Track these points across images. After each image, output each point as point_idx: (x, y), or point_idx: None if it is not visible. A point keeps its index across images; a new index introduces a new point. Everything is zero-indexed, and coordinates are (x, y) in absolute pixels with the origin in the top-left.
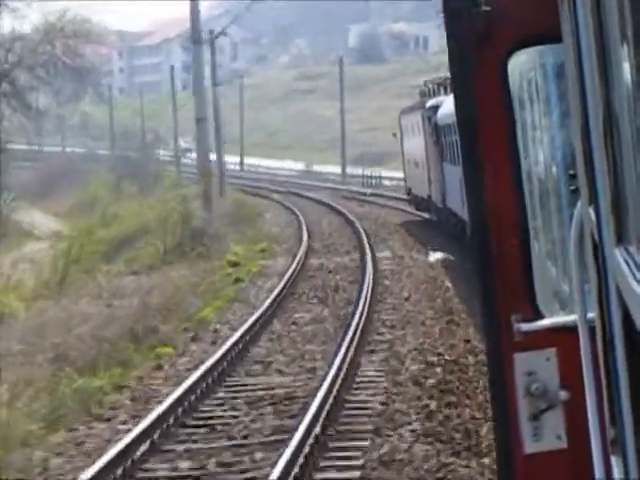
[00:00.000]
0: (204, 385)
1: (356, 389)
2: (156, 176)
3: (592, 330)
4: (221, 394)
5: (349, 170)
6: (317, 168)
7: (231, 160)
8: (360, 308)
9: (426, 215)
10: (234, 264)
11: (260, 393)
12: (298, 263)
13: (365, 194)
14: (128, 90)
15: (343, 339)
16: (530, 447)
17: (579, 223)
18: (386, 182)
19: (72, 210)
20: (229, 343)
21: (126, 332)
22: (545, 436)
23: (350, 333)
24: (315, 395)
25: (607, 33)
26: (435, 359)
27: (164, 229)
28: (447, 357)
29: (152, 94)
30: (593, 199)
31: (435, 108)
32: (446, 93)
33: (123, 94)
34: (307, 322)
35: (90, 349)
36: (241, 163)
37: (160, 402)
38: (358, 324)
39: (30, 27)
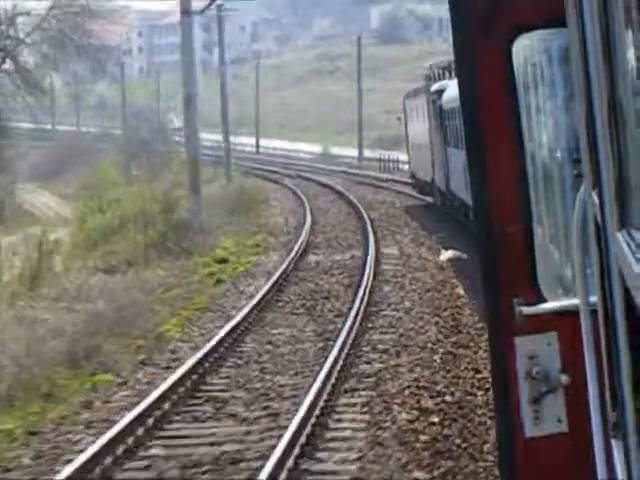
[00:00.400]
0: (130, 439)
1: (323, 450)
2: (166, 157)
3: (594, 314)
4: (153, 450)
5: (367, 153)
6: (335, 151)
7: (248, 142)
8: (350, 323)
9: (429, 199)
10: (221, 260)
11: (202, 450)
12: (292, 260)
13: (381, 179)
14: (147, 70)
15: (321, 368)
16: (531, 430)
17: (582, 207)
18: (405, 166)
19: (79, 192)
20: (183, 370)
21: (66, 350)
22: (546, 420)
23: (331, 359)
24: (268, 458)
25: (612, 17)
26: (432, 404)
27: (145, 220)
28: (449, 398)
29: (172, 74)
30: (597, 183)
31: (440, 92)
32: (451, 77)
33: (142, 74)
34: (285, 341)
35: (13, 374)
36: (257, 145)
37: (69, 462)
38: (343, 348)
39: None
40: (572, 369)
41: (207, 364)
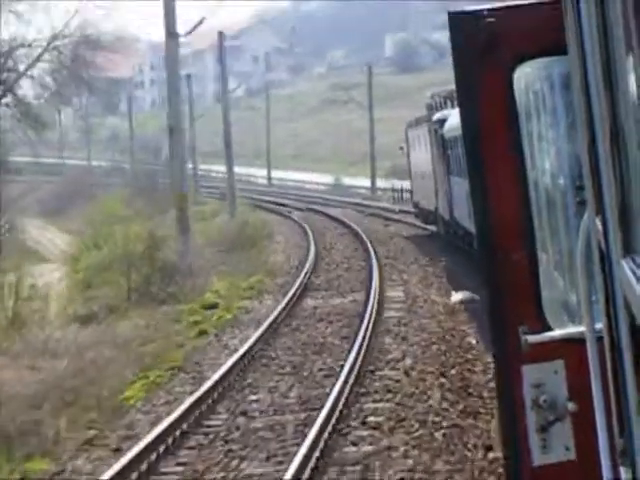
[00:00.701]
0: None
1: None
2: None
3: (600, 341)
4: None
5: (381, 183)
6: (348, 181)
7: (260, 173)
8: (339, 387)
9: (433, 228)
10: (209, 306)
11: None
12: (287, 306)
13: (393, 211)
14: (160, 102)
15: (298, 450)
16: (539, 459)
17: (586, 234)
18: None
19: (83, 228)
20: (133, 453)
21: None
22: (554, 448)
23: (311, 438)
24: None
25: (612, 44)
26: None
27: (128, 262)
28: None
29: (184, 106)
30: (600, 210)
31: (442, 121)
32: (452, 106)
33: (155, 106)
34: (263, 411)
35: None
36: (269, 177)
37: None
38: (327, 422)
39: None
40: (579, 397)
41: (164, 445)
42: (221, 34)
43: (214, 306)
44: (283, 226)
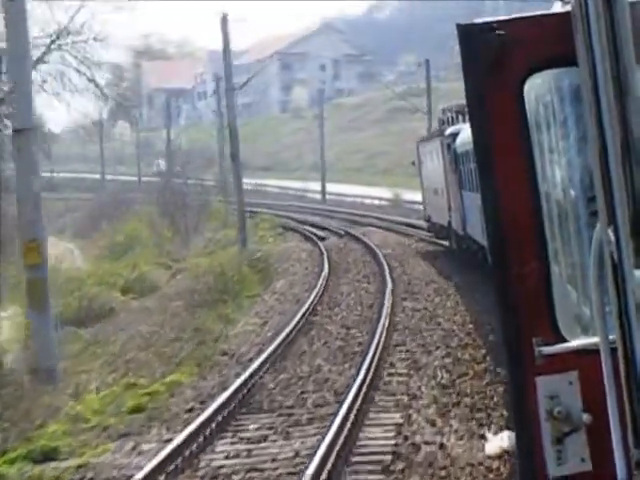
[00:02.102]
0: None
1: None
2: (202, 211)
3: (614, 352)
4: None
5: None
6: (409, 197)
7: (315, 187)
8: None
9: (445, 243)
10: (45, 456)
11: None
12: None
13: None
14: (222, 113)
15: None
16: (554, 470)
17: (598, 245)
18: None
19: (106, 253)
20: None
21: None
22: (569, 459)
23: None
24: None
25: (622, 55)
26: None
27: None
28: None
29: (247, 117)
30: (612, 221)
31: (454, 135)
32: (464, 120)
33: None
34: None
35: None
36: (323, 193)
37: None
38: None
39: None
40: (594, 408)
41: None
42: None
43: (53, 453)
44: (300, 262)
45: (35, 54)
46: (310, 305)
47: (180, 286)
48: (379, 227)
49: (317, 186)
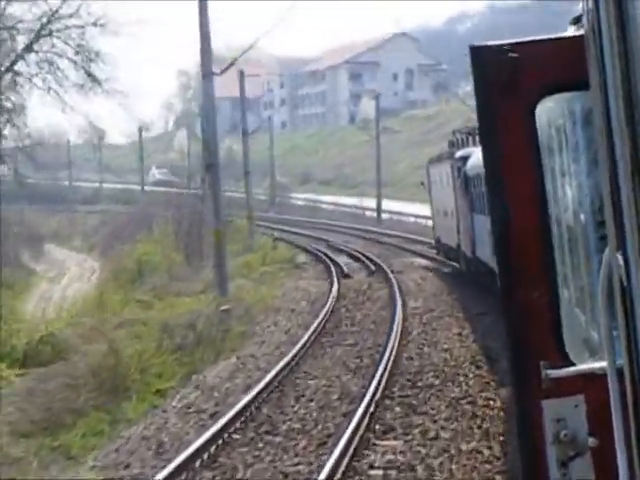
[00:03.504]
0: None
1: None
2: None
3: (621, 376)
4: None
5: None
6: None
7: (374, 205)
8: None
9: (455, 264)
10: None
11: None
12: None
13: None
14: (291, 124)
15: None
16: None
17: (607, 269)
18: None
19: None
20: None
21: None
22: None
23: None
24: None
25: (634, 80)
26: None
27: None
28: None
29: (314, 127)
30: (621, 245)
31: (465, 158)
32: (474, 144)
33: (285, 128)
34: None
35: None
36: (378, 213)
37: None
38: None
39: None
40: (600, 432)
41: None
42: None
43: None
44: (289, 318)
45: (22, 41)
46: (228, 427)
47: (78, 365)
48: (424, 257)
49: (387, 203)
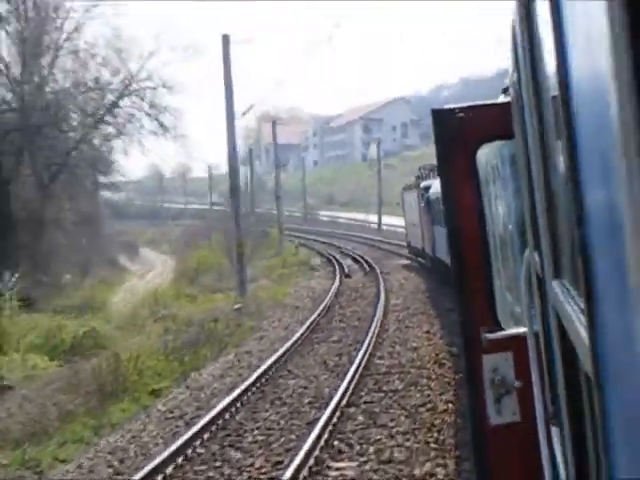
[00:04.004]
0: None
1: None
2: (259, 239)
3: (537, 338)
4: None
5: None
6: None
7: (385, 220)
8: None
9: (421, 260)
10: None
11: None
12: None
13: None
14: (320, 162)
15: None
16: (495, 420)
17: (528, 264)
18: None
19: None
20: None
21: None
22: (505, 413)
23: None
24: None
25: (546, 135)
26: None
27: None
28: None
29: (338, 165)
30: (537, 247)
31: (427, 187)
32: (434, 177)
33: (317, 165)
34: None
35: None
36: (379, 224)
37: None
38: None
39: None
40: (522, 376)
41: None
42: (274, 124)
43: None
44: (292, 314)
45: (110, 98)
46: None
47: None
48: (408, 259)
49: (383, 218)
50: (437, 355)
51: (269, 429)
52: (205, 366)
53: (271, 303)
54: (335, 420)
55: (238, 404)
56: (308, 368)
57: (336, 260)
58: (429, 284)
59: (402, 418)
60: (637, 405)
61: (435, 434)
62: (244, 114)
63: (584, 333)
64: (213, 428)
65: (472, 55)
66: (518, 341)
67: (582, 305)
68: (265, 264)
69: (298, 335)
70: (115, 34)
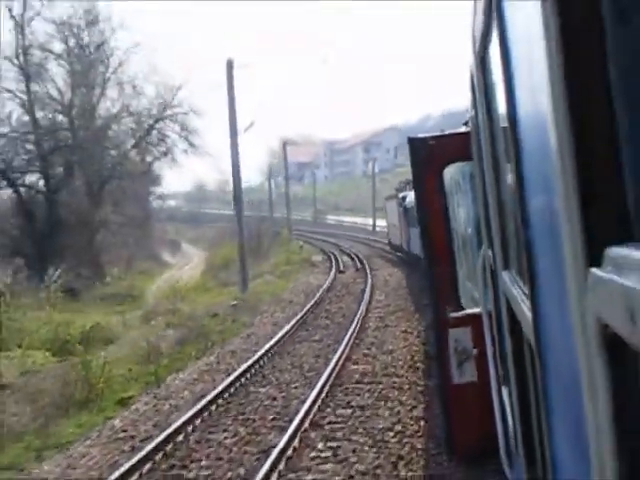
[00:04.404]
0: None
1: None
2: (272, 238)
3: (489, 315)
4: None
5: None
6: None
7: (376, 222)
8: None
9: (399, 254)
10: None
11: None
12: None
13: None
14: (330, 177)
15: None
16: (457, 380)
17: (483, 258)
18: None
19: (206, 270)
20: None
21: None
22: (465, 374)
23: None
24: None
25: (498, 156)
26: None
27: None
28: None
29: (343, 179)
30: (490, 244)
31: (404, 197)
32: (410, 189)
33: (327, 180)
34: None
35: None
36: (373, 226)
37: None
38: None
39: None
40: (479, 346)
41: None
42: (284, 145)
43: None
44: (283, 309)
45: (146, 122)
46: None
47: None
48: (394, 255)
49: (377, 221)
50: (412, 358)
51: (219, 459)
52: (185, 368)
53: (269, 298)
54: (294, 447)
55: (197, 421)
56: (283, 372)
57: (334, 257)
58: (409, 281)
59: (366, 447)
60: (568, 367)
61: (402, 471)
62: (246, 130)
63: (527, 312)
64: (157, 457)
65: (455, 88)
66: (476, 318)
67: (526, 290)
68: (273, 261)
69: (283, 332)
70: (151, 69)
